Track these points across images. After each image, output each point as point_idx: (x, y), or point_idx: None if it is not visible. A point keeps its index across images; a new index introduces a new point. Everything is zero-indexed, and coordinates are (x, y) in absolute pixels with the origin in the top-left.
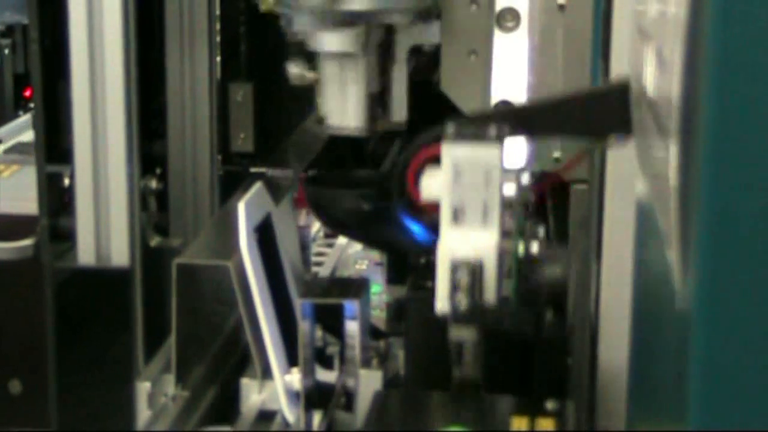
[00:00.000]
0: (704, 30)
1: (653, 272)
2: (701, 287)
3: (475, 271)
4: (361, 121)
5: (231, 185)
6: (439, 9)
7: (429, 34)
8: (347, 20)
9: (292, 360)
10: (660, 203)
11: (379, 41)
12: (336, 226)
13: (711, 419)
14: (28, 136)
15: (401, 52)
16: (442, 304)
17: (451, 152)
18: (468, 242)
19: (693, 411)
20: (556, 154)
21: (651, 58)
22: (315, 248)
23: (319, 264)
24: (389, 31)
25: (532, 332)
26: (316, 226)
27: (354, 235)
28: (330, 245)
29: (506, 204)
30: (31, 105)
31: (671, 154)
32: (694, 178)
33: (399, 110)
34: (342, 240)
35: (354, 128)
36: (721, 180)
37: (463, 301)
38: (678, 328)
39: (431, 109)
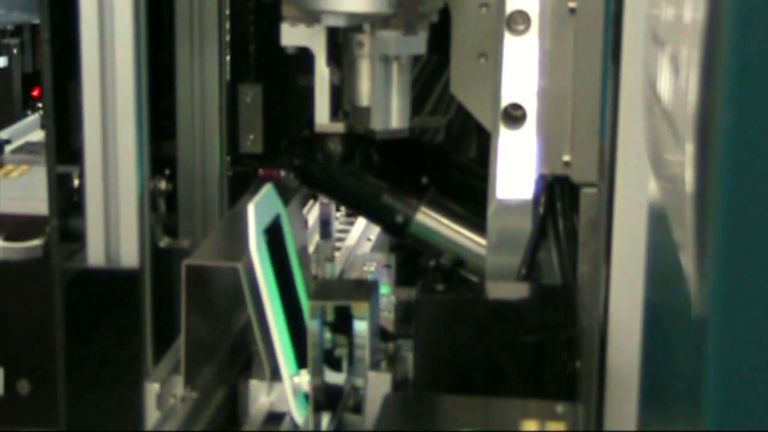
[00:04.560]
0: (722, 35)
1: (666, 277)
2: (717, 294)
3: None
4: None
5: (240, 186)
6: (426, 20)
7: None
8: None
9: (301, 362)
10: (674, 208)
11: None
12: (309, 180)
13: (726, 424)
14: (37, 135)
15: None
16: None
17: None
18: None
19: (708, 416)
20: (566, 157)
21: (665, 64)
22: (337, 225)
23: (341, 240)
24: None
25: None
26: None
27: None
28: (351, 222)
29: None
30: (39, 105)
31: (687, 159)
32: (710, 184)
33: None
34: (350, 241)
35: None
36: (738, 186)
37: None
38: (693, 334)
39: None
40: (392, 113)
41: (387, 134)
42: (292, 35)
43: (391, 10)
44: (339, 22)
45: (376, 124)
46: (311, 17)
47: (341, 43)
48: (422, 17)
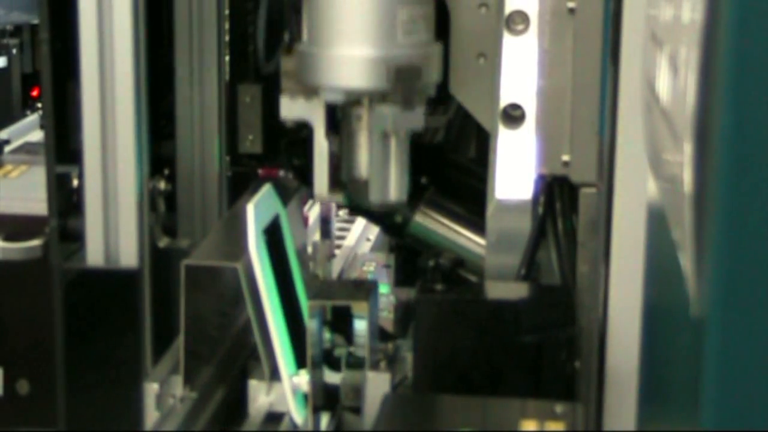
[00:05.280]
0: (720, 36)
1: (665, 277)
2: (716, 294)
3: None
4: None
5: (240, 186)
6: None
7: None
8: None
9: (300, 362)
10: (672, 208)
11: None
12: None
13: (724, 424)
14: (36, 135)
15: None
16: None
17: None
18: None
19: (707, 416)
20: (565, 157)
21: (664, 64)
22: (336, 224)
23: (341, 238)
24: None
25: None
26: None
27: None
28: (350, 222)
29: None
30: (39, 105)
31: (685, 159)
32: (709, 184)
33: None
34: (350, 241)
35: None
36: (736, 186)
37: None
38: (692, 333)
39: None
40: (390, 186)
41: (384, 207)
42: (290, 108)
43: (389, 86)
44: (337, 98)
45: (374, 197)
46: (310, 91)
47: (340, 116)
48: (420, 93)
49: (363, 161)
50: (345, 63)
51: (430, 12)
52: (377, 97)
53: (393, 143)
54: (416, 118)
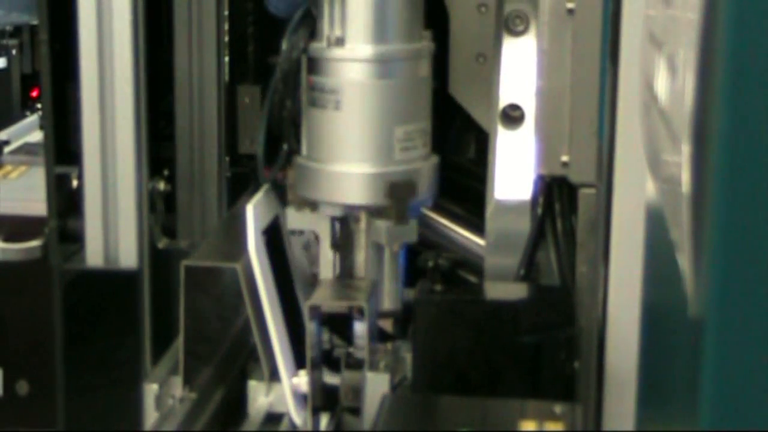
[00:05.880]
0: (718, 36)
1: (663, 277)
2: (714, 294)
3: None
4: None
5: (239, 187)
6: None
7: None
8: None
9: (299, 362)
10: (670, 208)
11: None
12: None
13: (723, 424)
14: (36, 136)
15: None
16: None
17: None
18: None
19: (705, 415)
20: (564, 158)
21: (662, 64)
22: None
23: None
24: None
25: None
26: None
27: None
28: None
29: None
30: (38, 105)
31: (683, 160)
32: (707, 184)
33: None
34: None
35: None
36: (734, 187)
37: None
38: (690, 333)
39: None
40: (384, 296)
41: (379, 315)
42: (298, 220)
43: (385, 202)
44: (336, 212)
45: None
46: (314, 203)
47: (341, 224)
48: (413, 208)
49: (360, 270)
50: (343, 179)
51: (426, 126)
52: (375, 211)
53: (387, 256)
54: (410, 232)
